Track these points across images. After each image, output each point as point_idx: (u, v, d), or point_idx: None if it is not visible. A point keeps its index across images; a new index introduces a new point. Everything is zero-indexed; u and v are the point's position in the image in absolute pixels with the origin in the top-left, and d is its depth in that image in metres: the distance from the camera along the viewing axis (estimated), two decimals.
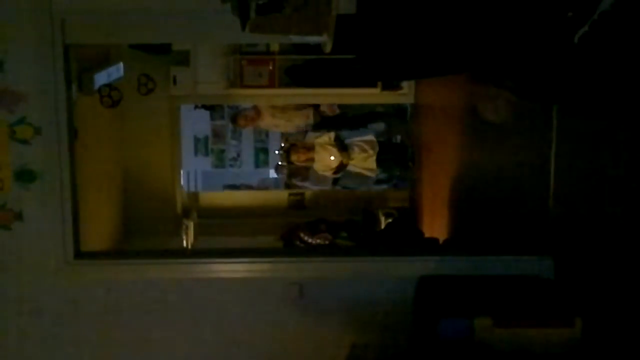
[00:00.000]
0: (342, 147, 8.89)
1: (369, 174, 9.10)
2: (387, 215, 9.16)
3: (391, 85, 8.92)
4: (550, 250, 4.47)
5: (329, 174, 9.21)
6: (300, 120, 9.86)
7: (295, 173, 9.80)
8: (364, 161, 8.94)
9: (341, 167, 8.95)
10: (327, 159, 8.99)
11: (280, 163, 10.19)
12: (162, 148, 9.25)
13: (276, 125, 10.04)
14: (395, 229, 7.73)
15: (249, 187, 11.25)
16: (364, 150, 8.92)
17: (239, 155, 11.52)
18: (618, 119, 3.60)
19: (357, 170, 9.01)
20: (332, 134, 9.00)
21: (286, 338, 4.59)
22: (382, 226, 8.91)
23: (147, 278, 4.58)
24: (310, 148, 9.07)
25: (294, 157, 9.25)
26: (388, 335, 4.48)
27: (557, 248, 4.44)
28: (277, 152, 10.96)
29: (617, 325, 3.80)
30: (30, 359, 4.63)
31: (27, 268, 4.49)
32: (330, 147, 8.88)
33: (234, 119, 10.08)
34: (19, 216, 4.43)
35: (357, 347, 4.47)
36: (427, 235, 7.41)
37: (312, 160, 9.08)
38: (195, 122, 10.98)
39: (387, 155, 9.12)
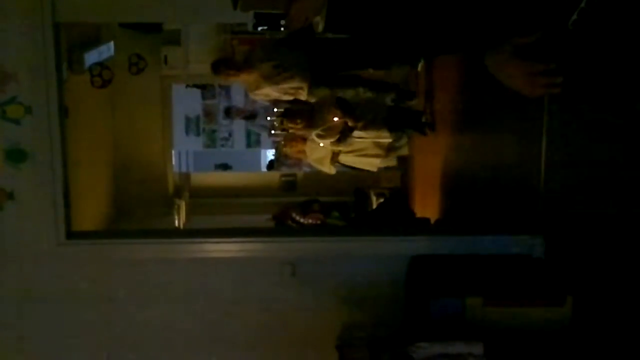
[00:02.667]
0: (347, 107, 7.35)
1: (382, 140, 7.49)
2: (379, 195, 9.15)
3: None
4: (541, 230, 4.49)
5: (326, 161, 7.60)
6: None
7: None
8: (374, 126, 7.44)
9: (346, 133, 7.39)
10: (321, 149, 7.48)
11: (273, 132, 9.50)
12: (154, 128, 9.22)
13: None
14: (387, 209, 7.74)
15: None
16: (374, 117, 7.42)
17: (230, 135, 11.50)
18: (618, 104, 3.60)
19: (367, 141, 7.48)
20: (335, 93, 7.46)
21: (279, 317, 4.60)
22: (374, 206, 8.91)
23: (140, 258, 4.58)
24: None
25: (287, 149, 8.07)
26: (380, 315, 4.50)
27: (548, 227, 4.46)
28: (269, 119, 10.34)
29: (607, 304, 3.83)
30: (24, 339, 4.63)
31: (18, 248, 4.48)
32: (332, 108, 7.31)
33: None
34: (10, 196, 4.41)
35: (349, 326, 4.48)
36: (418, 215, 7.42)
37: (304, 153, 7.67)
38: (186, 102, 10.95)
39: (399, 120, 7.58)
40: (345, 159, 7.72)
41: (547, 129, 4.44)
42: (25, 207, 4.42)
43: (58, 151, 4.40)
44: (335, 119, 7.26)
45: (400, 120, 7.50)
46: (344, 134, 7.34)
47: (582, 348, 3.70)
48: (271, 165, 9.64)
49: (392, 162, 7.95)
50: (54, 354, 4.64)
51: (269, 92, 7.62)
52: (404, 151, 7.89)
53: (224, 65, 7.30)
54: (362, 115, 7.34)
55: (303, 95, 7.64)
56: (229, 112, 10.02)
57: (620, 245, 3.77)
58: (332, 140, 7.34)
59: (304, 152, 7.77)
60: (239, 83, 8.29)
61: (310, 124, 7.46)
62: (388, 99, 7.77)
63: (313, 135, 7.51)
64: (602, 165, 3.89)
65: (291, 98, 7.82)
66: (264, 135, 11.12)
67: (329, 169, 7.73)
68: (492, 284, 4.05)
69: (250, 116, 11.14)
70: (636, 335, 3.57)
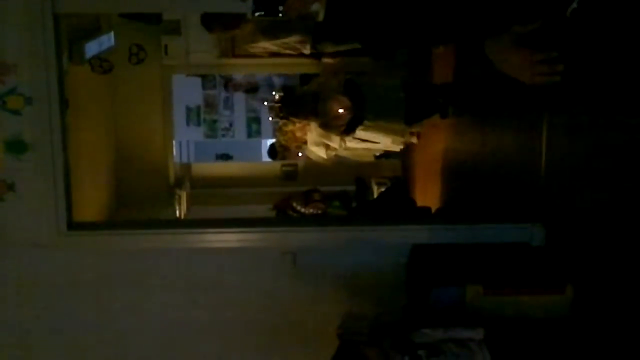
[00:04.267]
0: (356, 95, 6.51)
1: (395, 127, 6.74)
2: (379, 185, 9.17)
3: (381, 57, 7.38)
4: (542, 218, 4.49)
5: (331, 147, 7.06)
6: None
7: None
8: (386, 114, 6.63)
9: (355, 122, 6.61)
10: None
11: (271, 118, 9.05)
12: (154, 118, 9.21)
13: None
14: (388, 198, 7.75)
15: None
16: (389, 104, 6.57)
17: (231, 125, 11.49)
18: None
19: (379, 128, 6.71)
20: (341, 77, 6.62)
21: (280, 307, 4.61)
22: (375, 195, 8.92)
23: (141, 248, 4.59)
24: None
25: (281, 137, 7.56)
26: (381, 304, 4.51)
27: (548, 216, 4.46)
28: (266, 104, 9.91)
29: (607, 292, 3.84)
30: (25, 330, 4.64)
31: (19, 239, 4.48)
32: (339, 95, 6.53)
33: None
34: (10, 187, 4.42)
35: (350, 315, 4.50)
36: (419, 204, 7.43)
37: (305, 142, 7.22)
38: (187, 91, 10.94)
39: (418, 109, 6.67)
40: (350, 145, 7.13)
41: (548, 121, 4.45)
42: (26, 198, 4.42)
43: (58, 142, 4.40)
44: (341, 110, 6.45)
45: (419, 109, 6.65)
46: (351, 125, 6.53)
47: (582, 335, 3.72)
48: (272, 149, 9.15)
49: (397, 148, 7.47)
50: (54, 344, 4.65)
51: (266, 46, 7.24)
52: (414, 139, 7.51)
53: (216, 21, 6.93)
54: (374, 104, 6.46)
55: (306, 49, 7.19)
56: (227, 86, 9.93)
57: (621, 233, 3.77)
58: (337, 131, 6.65)
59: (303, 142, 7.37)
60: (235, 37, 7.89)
61: (313, 116, 6.75)
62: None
63: (315, 126, 7.06)
64: (603, 153, 3.89)
65: (292, 52, 7.35)
66: (264, 110, 10.92)
67: (324, 154, 7.46)
68: (492, 272, 4.06)
69: (251, 89, 11.09)
70: (636, 323, 3.58)
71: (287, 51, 7.36)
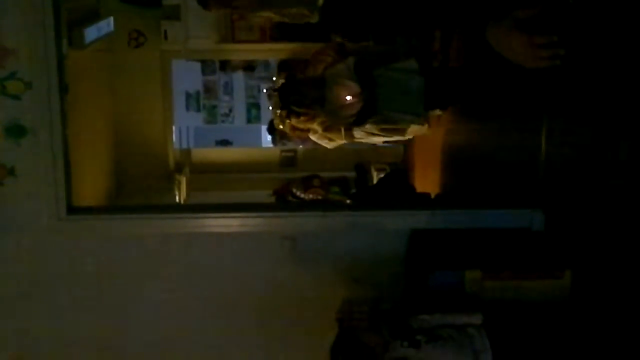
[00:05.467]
0: (368, 80, 5.87)
1: (408, 117, 6.07)
2: (379, 171, 9.17)
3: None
4: (541, 204, 4.50)
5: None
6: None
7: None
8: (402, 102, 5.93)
9: (367, 112, 5.97)
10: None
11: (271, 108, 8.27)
12: (154, 104, 9.21)
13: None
14: (387, 184, 7.74)
15: None
16: (405, 89, 5.83)
17: (230, 110, 11.47)
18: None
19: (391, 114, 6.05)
20: (350, 61, 5.96)
21: (279, 292, 4.62)
22: (375, 181, 8.92)
23: (141, 233, 4.60)
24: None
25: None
26: (380, 289, 4.52)
27: (548, 201, 4.47)
28: (265, 91, 9.35)
29: (606, 277, 3.85)
30: (24, 315, 4.65)
31: (19, 223, 4.49)
32: (348, 81, 5.84)
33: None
34: (10, 171, 4.42)
35: (349, 300, 4.51)
36: (419, 190, 7.43)
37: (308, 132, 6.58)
38: (186, 77, 10.91)
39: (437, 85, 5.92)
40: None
41: (549, 108, 4.45)
42: (25, 182, 4.42)
43: (58, 126, 4.40)
44: (349, 97, 5.77)
45: (440, 95, 5.98)
46: (362, 116, 5.90)
47: (580, 320, 3.73)
48: (272, 126, 8.46)
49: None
50: (54, 329, 4.66)
51: (270, 15, 6.64)
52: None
53: None
54: (388, 91, 5.83)
55: (312, 18, 6.52)
56: (224, 67, 9.86)
57: (620, 218, 3.78)
58: (346, 122, 6.08)
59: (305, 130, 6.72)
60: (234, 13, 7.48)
61: (318, 105, 6.03)
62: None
63: (320, 121, 6.38)
64: (602, 139, 3.90)
65: (297, 21, 6.74)
66: (264, 96, 10.80)
67: (328, 145, 7.01)
68: (491, 258, 4.07)
69: (249, 67, 11.04)
70: (635, 308, 3.60)
71: (291, 21, 6.72)
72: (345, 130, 6.47)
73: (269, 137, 9.47)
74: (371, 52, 6.64)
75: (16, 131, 4.35)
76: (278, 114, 7.16)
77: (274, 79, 8.00)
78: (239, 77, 11.29)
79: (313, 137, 7.06)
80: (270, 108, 7.95)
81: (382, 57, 6.23)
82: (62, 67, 4.44)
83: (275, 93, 6.66)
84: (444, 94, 5.99)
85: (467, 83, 5.48)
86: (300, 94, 6.24)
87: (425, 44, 6.13)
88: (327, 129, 6.49)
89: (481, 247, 4.20)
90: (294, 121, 6.68)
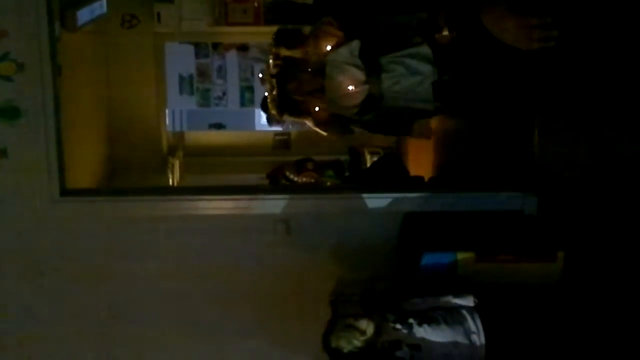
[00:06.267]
0: (373, 67, 5.07)
1: (418, 105, 5.16)
2: (373, 154, 9.17)
3: None
4: (534, 187, 4.51)
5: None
6: None
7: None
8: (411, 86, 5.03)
9: (372, 103, 5.14)
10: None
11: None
12: (147, 86, 9.19)
13: None
14: (381, 167, 7.75)
15: None
16: (414, 72, 4.97)
17: (224, 94, 11.43)
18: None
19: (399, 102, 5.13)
20: (355, 45, 5.13)
21: (273, 274, 4.63)
22: (368, 165, 8.92)
23: (134, 215, 4.60)
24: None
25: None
26: (373, 271, 4.53)
27: (541, 185, 4.48)
28: (261, 75, 8.84)
29: (599, 260, 3.87)
30: (18, 298, 4.66)
31: (12, 205, 4.49)
32: (350, 68, 5.09)
33: None
34: (3, 153, 4.41)
35: (343, 282, 4.52)
36: (412, 174, 7.44)
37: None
38: (180, 60, 10.85)
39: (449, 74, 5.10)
40: None
41: (542, 90, 4.44)
42: (18, 164, 4.42)
43: (51, 108, 4.39)
44: (351, 87, 5.08)
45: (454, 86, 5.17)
46: (366, 107, 5.17)
47: (573, 302, 3.75)
48: (265, 104, 7.63)
49: None
50: (49, 311, 4.67)
51: None
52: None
53: None
54: (395, 78, 5.04)
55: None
56: (217, 46, 9.80)
57: (613, 201, 3.80)
58: (348, 113, 5.37)
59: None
60: None
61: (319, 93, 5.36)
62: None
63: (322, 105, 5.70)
64: (597, 122, 3.91)
65: None
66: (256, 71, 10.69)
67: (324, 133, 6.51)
68: (484, 240, 4.08)
69: (242, 47, 10.97)
70: (627, 289, 3.62)
71: None
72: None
73: (263, 115, 9.36)
74: (379, 35, 5.65)
75: (9, 112, 4.34)
76: (274, 101, 6.75)
77: (270, 61, 7.43)
78: (232, 60, 11.25)
79: (308, 124, 6.89)
80: (266, 93, 7.31)
81: (391, 42, 5.40)
82: (55, 49, 4.42)
83: (273, 80, 6.06)
84: (457, 85, 5.20)
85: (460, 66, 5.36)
86: (298, 80, 5.59)
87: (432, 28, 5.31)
88: (318, 124, 6.03)
89: (474, 230, 4.21)
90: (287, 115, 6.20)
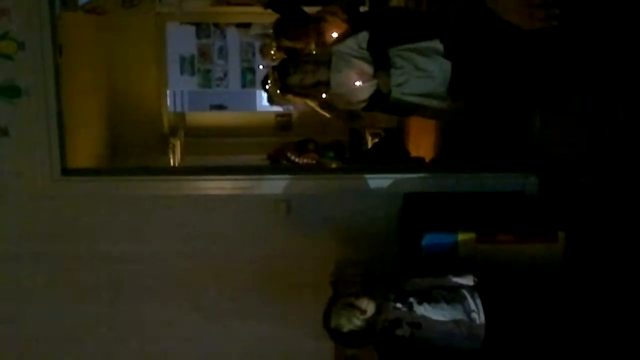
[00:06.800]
0: (382, 60, 4.71)
1: (432, 104, 4.76)
2: (374, 135, 9.15)
3: None
4: (535, 168, 4.51)
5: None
6: None
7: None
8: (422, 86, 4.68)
9: (380, 98, 4.75)
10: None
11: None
12: (148, 67, 9.16)
13: None
14: (382, 148, 7.75)
15: None
16: (424, 72, 4.63)
17: (225, 75, 11.41)
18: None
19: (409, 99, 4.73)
20: (363, 36, 4.80)
21: (273, 254, 4.64)
22: (369, 146, 8.91)
23: (135, 194, 4.60)
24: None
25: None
26: (374, 251, 4.54)
27: (542, 165, 4.48)
28: (261, 67, 9.29)
29: (600, 240, 3.87)
30: (20, 276, 4.67)
31: (13, 185, 4.50)
32: (358, 61, 4.75)
33: None
34: (4, 132, 4.41)
35: (343, 262, 4.53)
36: (413, 155, 7.43)
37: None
38: (181, 41, 10.83)
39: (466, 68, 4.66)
40: None
41: (543, 66, 4.42)
42: (19, 143, 4.42)
43: (52, 87, 4.39)
44: (359, 83, 4.69)
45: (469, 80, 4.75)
46: (374, 101, 4.77)
47: (574, 282, 3.76)
48: (266, 83, 7.54)
49: None
50: (50, 291, 4.68)
51: None
52: None
53: None
54: (404, 72, 4.66)
55: None
56: (218, 24, 9.73)
57: (615, 182, 3.79)
58: (356, 108, 5.01)
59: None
60: None
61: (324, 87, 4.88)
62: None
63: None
64: (599, 100, 3.89)
65: None
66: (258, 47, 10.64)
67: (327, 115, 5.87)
68: (485, 220, 4.08)
69: (244, 25, 10.91)
70: (628, 270, 3.62)
71: None
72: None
73: (265, 96, 9.33)
74: (389, 27, 5.30)
75: (10, 91, 4.34)
76: (276, 90, 6.38)
77: (272, 52, 7.09)
78: (234, 41, 11.22)
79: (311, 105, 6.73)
80: (268, 86, 6.93)
81: (401, 34, 5.04)
82: (55, 27, 4.41)
83: (274, 72, 5.66)
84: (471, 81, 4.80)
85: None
86: (300, 73, 4.99)
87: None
88: (323, 107, 5.52)
89: (475, 210, 4.21)
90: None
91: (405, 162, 6.78)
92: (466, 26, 4.57)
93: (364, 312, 3.48)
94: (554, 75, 4.32)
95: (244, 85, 11.47)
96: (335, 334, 3.53)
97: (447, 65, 4.59)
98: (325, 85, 4.86)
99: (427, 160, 6.83)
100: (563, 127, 4.31)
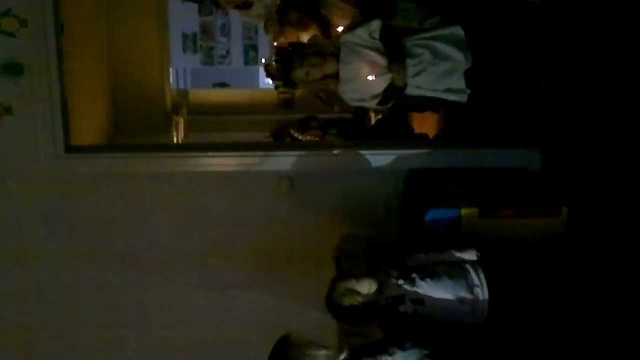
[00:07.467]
0: (395, 52, 4.30)
1: (451, 98, 4.47)
2: (377, 112, 9.11)
3: None
4: (538, 143, 4.51)
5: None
6: None
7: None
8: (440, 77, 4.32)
9: (392, 92, 4.37)
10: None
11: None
12: (150, 44, 9.11)
13: None
14: (385, 125, 7.73)
15: None
16: (443, 59, 4.30)
17: (228, 52, 11.38)
18: None
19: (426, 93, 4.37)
20: (375, 25, 4.38)
21: (277, 230, 4.66)
22: (373, 123, 8.89)
23: (139, 172, 4.61)
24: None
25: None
26: (377, 227, 4.55)
27: (545, 141, 4.47)
28: (263, 60, 8.87)
29: (602, 216, 3.88)
30: (23, 254, 4.69)
31: (17, 162, 4.51)
32: (369, 52, 4.32)
33: None
34: (7, 110, 4.42)
35: (346, 239, 4.54)
36: (417, 132, 7.42)
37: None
38: (183, 18, 10.80)
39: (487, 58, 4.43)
40: None
41: (548, 43, 4.41)
42: (23, 121, 4.44)
43: (55, 65, 4.39)
44: (371, 78, 4.34)
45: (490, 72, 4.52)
46: (389, 95, 4.39)
47: (576, 256, 3.76)
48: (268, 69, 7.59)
49: None
50: (53, 268, 4.70)
51: None
52: None
53: None
54: (420, 63, 4.29)
55: None
56: (217, 2, 9.68)
57: (617, 157, 3.79)
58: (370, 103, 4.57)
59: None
60: None
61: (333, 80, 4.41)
62: None
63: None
64: (602, 77, 3.88)
65: None
66: (260, 29, 10.58)
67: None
68: (488, 196, 4.08)
69: (244, 5, 10.85)
70: (630, 244, 3.62)
71: None
72: None
73: (268, 80, 9.37)
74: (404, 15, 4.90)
75: (13, 69, 4.34)
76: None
77: (275, 44, 6.72)
78: (236, 19, 11.18)
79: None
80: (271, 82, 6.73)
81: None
82: (58, 4, 4.41)
83: (277, 64, 5.29)
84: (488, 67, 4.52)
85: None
86: (307, 66, 4.44)
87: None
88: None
89: (478, 186, 4.21)
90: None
91: (408, 139, 6.76)
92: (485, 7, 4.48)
93: (365, 295, 3.46)
94: (558, 48, 4.31)
95: (246, 63, 11.45)
96: (338, 315, 3.52)
97: (468, 54, 4.32)
98: (334, 79, 4.43)
99: (430, 136, 6.82)
100: (567, 100, 4.31)
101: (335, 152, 4.76)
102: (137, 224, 4.67)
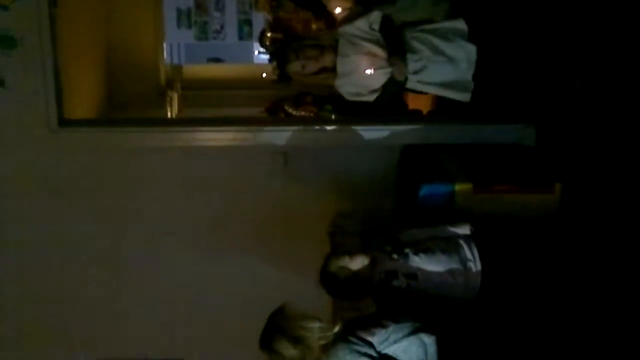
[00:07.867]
0: (396, 45, 4.17)
1: (452, 95, 4.32)
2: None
3: None
4: (533, 119, 4.50)
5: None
6: None
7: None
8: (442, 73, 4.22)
9: (391, 87, 4.30)
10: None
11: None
12: (144, 19, 9.06)
13: None
14: (380, 100, 7.70)
15: None
16: (445, 57, 4.18)
17: (222, 27, 11.34)
18: None
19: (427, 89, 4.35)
20: (375, 17, 4.25)
21: (272, 206, 4.66)
22: None
23: (133, 146, 4.60)
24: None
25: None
26: (372, 203, 4.56)
27: (539, 116, 4.47)
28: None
29: (596, 192, 3.89)
30: (18, 228, 4.69)
31: (11, 135, 4.50)
32: (368, 44, 4.18)
33: None
34: (1, 83, 4.40)
35: (341, 214, 4.55)
36: (411, 107, 7.40)
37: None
38: None
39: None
40: None
41: (544, 22, 4.40)
42: (16, 94, 4.42)
43: (48, 38, 4.37)
44: (370, 72, 4.20)
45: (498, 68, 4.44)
46: (388, 89, 4.29)
47: (569, 233, 3.78)
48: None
49: None
50: (48, 243, 4.70)
51: None
52: None
53: None
54: (421, 59, 4.13)
55: None
56: None
57: (611, 134, 3.80)
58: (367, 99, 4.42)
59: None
60: None
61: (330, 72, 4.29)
62: None
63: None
64: (596, 52, 3.88)
65: None
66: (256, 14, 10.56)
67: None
68: (482, 171, 4.09)
69: None
70: (625, 222, 3.64)
71: None
72: None
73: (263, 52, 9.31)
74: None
75: (6, 42, 4.31)
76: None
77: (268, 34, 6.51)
78: None
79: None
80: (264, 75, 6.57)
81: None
82: None
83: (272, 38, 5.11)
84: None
85: None
86: (303, 59, 4.28)
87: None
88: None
89: (472, 161, 4.21)
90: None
91: (403, 115, 6.75)
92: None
93: (359, 271, 3.46)
94: (553, 24, 4.30)
95: (240, 38, 11.41)
96: (332, 290, 3.53)
97: (472, 49, 4.20)
98: (331, 72, 4.30)
99: (424, 112, 6.81)
100: (561, 77, 4.30)
101: (329, 127, 4.74)
102: (131, 199, 4.66)
